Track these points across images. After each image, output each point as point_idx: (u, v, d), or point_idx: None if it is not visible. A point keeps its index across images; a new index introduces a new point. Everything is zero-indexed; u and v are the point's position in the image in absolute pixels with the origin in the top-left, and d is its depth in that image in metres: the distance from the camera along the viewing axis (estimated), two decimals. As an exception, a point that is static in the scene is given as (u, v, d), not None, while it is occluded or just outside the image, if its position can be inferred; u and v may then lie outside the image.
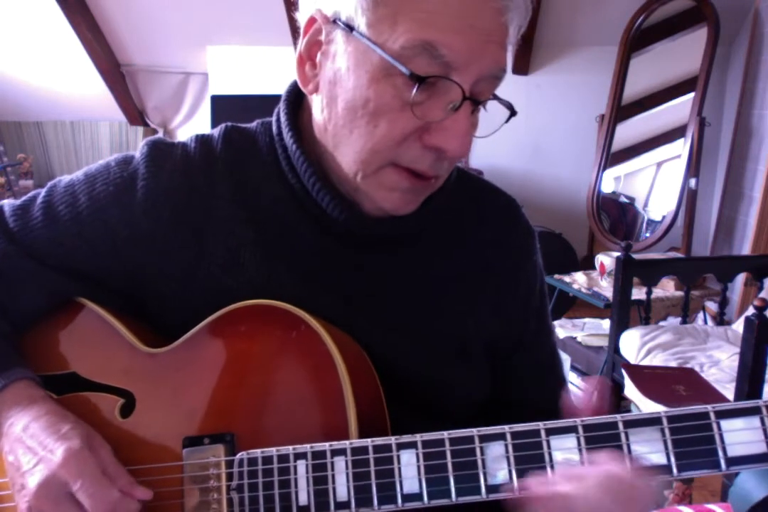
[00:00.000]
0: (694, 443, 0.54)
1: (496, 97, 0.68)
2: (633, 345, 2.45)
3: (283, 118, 0.75)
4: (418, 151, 0.66)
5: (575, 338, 3.14)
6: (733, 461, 0.53)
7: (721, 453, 0.54)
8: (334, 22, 0.65)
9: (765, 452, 0.53)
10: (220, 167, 0.76)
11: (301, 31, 0.69)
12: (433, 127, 0.64)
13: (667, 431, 0.55)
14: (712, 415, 0.54)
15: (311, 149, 0.73)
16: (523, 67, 4.05)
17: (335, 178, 0.72)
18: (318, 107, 0.70)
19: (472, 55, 0.62)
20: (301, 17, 0.69)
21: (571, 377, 2.92)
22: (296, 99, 0.76)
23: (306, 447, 0.61)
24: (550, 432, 0.57)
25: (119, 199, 0.74)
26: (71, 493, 0.60)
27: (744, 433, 0.53)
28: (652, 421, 0.55)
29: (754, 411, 0.54)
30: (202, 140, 0.77)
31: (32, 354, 0.74)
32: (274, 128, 0.76)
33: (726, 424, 0.54)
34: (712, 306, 3.60)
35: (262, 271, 0.73)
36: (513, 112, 0.69)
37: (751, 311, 1.92)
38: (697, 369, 2.28)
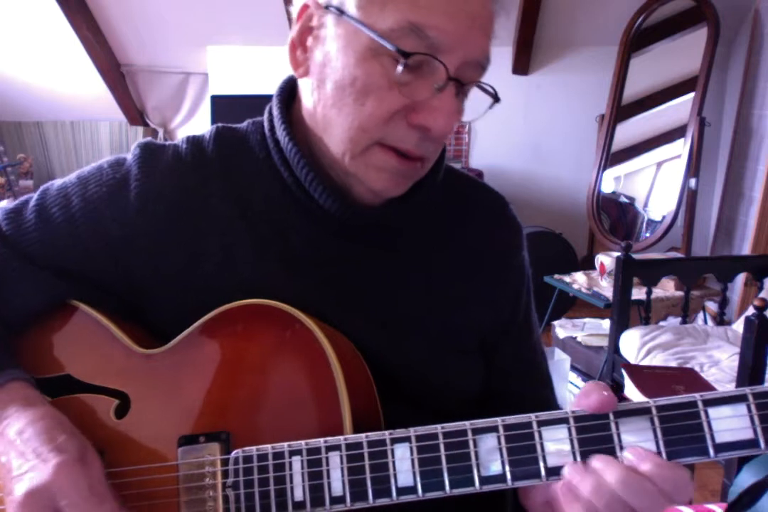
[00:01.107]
0: (682, 431, 0.55)
1: (480, 84, 0.70)
2: (633, 345, 2.45)
3: (275, 112, 0.76)
4: (404, 130, 0.67)
5: (575, 338, 3.14)
6: (721, 447, 0.54)
7: (709, 441, 0.54)
8: (327, 7, 0.68)
9: (752, 438, 0.54)
10: (212, 166, 0.76)
11: (294, 18, 0.71)
12: (419, 106, 0.66)
13: (656, 420, 0.55)
14: (699, 403, 0.55)
15: (303, 142, 0.74)
16: (523, 67, 4.05)
17: (327, 165, 0.73)
18: (308, 91, 0.72)
19: (458, 38, 0.64)
20: (294, 7, 0.72)
21: (571, 377, 2.92)
22: (288, 96, 0.77)
23: (301, 444, 0.60)
24: (542, 423, 0.57)
25: (112, 200, 0.74)
26: (57, 508, 0.59)
27: (731, 420, 0.54)
28: (641, 411, 0.56)
29: (741, 399, 0.54)
30: (193, 141, 0.78)
31: (26, 357, 0.73)
32: (265, 124, 0.77)
33: (713, 412, 0.55)
34: (712, 306, 3.60)
35: (256, 269, 0.73)
36: (496, 99, 0.71)
37: (751, 311, 1.92)
38: (697, 369, 2.28)
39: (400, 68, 0.64)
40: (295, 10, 0.71)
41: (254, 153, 0.77)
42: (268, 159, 0.76)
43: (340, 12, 0.66)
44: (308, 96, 0.72)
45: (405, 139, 0.67)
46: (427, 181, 0.75)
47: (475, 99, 0.73)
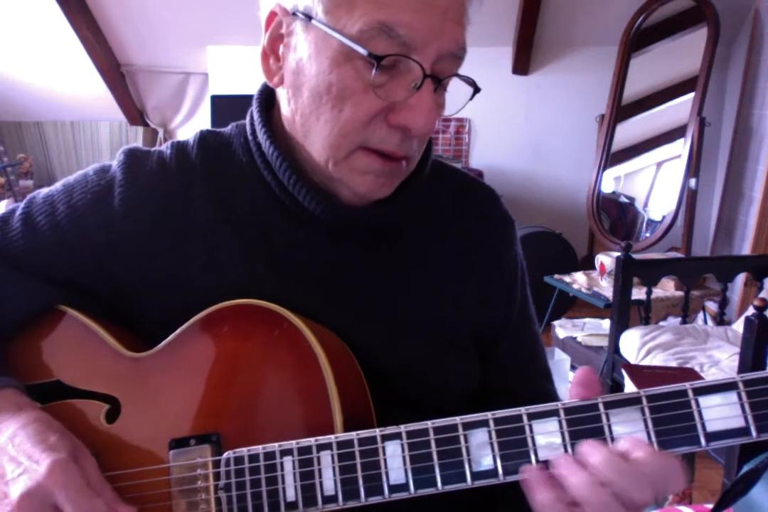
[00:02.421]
0: (673, 421, 0.54)
1: (458, 75, 0.68)
2: (633, 345, 2.44)
3: (256, 116, 0.76)
4: (385, 132, 0.66)
5: (575, 338, 3.14)
6: (712, 436, 0.54)
7: (700, 429, 0.54)
8: (294, 14, 0.67)
9: (743, 426, 0.53)
10: (196, 171, 0.76)
11: (263, 27, 0.70)
12: (398, 106, 0.65)
13: (646, 410, 0.55)
14: (690, 392, 0.55)
15: (284, 145, 0.74)
16: (523, 67, 4.05)
17: (309, 170, 0.73)
18: (285, 99, 0.71)
19: (430, 33, 0.63)
20: (262, 14, 0.71)
21: (571, 377, 2.91)
22: (268, 98, 0.77)
23: (292, 444, 0.60)
24: (532, 416, 0.57)
25: (97, 206, 0.75)
26: (55, 505, 0.59)
27: (722, 409, 0.54)
28: (631, 401, 0.56)
29: (731, 387, 0.54)
30: (177, 146, 0.79)
31: (16, 363, 0.73)
32: (247, 128, 0.77)
33: (704, 401, 0.54)
34: (712, 306, 3.60)
35: (242, 271, 0.73)
36: (477, 89, 0.70)
37: (751, 311, 1.91)
38: (697, 369, 2.27)
39: (374, 71, 0.63)
40: (262, 17, 0.70)
41: (237, 156, 0.77)
42: (252, 162, 0.76)
43: (308, 18, 0.65)
44: (285, 105, 0.71)
45: (387, 141, 0.67)
46: (412, 177, 0.75)
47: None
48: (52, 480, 0.59)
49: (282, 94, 0.72)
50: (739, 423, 0.53)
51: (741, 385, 0.54)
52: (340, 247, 0.75)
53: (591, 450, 0.54)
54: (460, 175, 0.86)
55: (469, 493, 0.57)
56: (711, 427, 0.54)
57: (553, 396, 0.85)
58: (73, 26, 3.78)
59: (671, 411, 0.54)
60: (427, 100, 0.64)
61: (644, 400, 0.55)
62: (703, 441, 0.53)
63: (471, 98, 0.70)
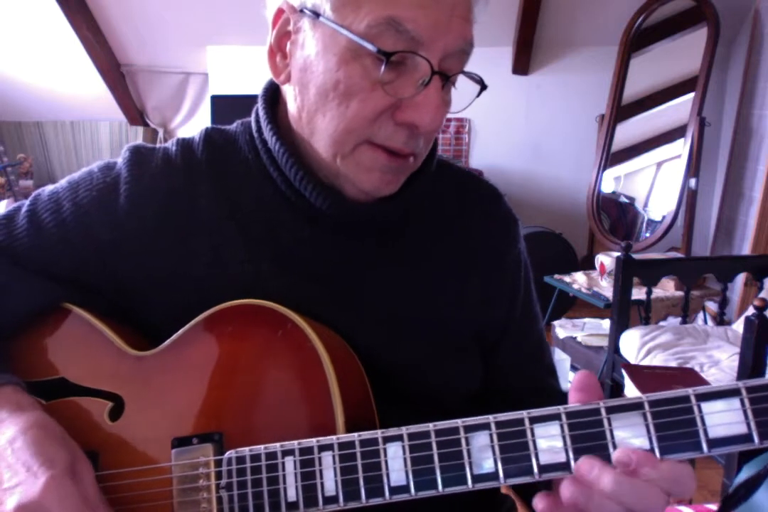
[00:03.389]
0: (675, 426, 0.54)
1: (465, 72, 0.69)
2: (633, 345, 2.44)
3: (261, 113, 0.76)
4: (391, 128, 0.66)
5: (575, 338, 3.14)
6: (714, 442, 0.53)
7: (702, 435, 0.53)
8: (301, 11, 0.67)
9: (746, 433, 0.53)
10: (201, 168, 0.77)
11: (269, 24, 0.70)
12: (405, 103, 0.65)
13: (649, 415, 0.55)
14: (692, 398, 0.54)
15: (290, 141, 0.74)
16: (523, 67, 4.05)
17: (316, 167, 0.73)
18: (291, 96, 0.71)
19: (437, 29, 0.63)
20: (269, 11, 0.71)
21: (571, 377, 2.91)
22: (273, 96, 0.77)
23: (293, 444, 0.60)
24: (534, 420, 0.56)
25: (102, 203, 0.75)
26: None
27: (724, 415, 0.53)
28: (633, 406, 0.55)
29: (734, 393, 0.53)
30: (183, 143, 0.79)
31: (20, 361, 0.73)
32: (253, 125, 0.77)
33: (706, 407, 0.54)
34: (712, 306, 3.60)
35: (247, 268, 0.73)
36: (483, 86, 0.70)
37: (751, 311, 1.91)
38: (697, 369, 2.27)
39: (383, 68, 0.63)
40: (270, 14, 0.70)
41: (243, 153, 0.77)
42: (258, 159, 0.76)
43: (316, 15, 0.65)
44: (292, 102, 0.71)
45: (393, 138, 0.67)
46: (418, 175, 0.75)
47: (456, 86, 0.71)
48: (47, 499, 0.58)
49: (288, 92, 0.72)
50: (741, 429, 0.53)
51: (744, 392, 0.53)
52: (345, 244, 0.75)
53: (599, 472, 0.53)
54: (463, 173, 0.86)
55: (470, 494, 0.57)
56: (713, 433, 0.53)
57: (559, 394, 0.86)
58: (73, 26, 3.79)
59: (673, 417, 0.54)
60: (434, 96, 0.64)
61: (646, 405, 0.55)
62: (705, 447, 0.53)
63: (478, 95, 0.70)
